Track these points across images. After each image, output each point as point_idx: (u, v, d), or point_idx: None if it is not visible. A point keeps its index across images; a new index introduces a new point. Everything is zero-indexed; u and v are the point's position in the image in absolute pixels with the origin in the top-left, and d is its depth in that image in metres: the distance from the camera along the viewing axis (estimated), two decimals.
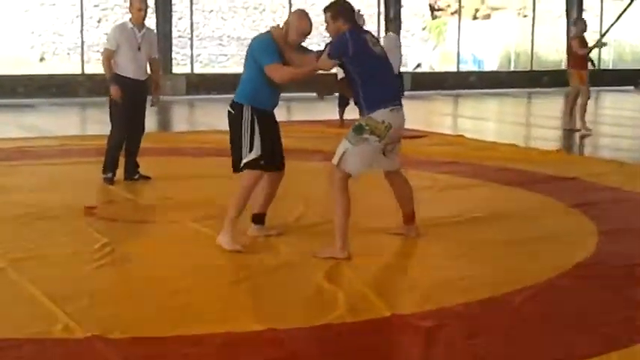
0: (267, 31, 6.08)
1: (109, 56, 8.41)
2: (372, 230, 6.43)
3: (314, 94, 7.51)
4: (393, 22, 14.60)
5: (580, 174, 9.18)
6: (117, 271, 5.37)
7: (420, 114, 12.90)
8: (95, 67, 25.64)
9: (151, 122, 16.13)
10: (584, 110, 13.33)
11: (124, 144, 8.65)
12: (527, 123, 17.44)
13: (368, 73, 5.87)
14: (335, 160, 5.80)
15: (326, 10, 6.01)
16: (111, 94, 8.43)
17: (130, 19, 8.51)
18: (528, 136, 13.97)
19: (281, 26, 6.09)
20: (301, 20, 5.99)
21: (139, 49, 8.42)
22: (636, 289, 5.08)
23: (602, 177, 9.03)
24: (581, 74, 13.40)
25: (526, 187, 8.43)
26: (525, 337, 4.26)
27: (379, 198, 6.86)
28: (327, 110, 14.54)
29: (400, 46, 14.23)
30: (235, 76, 23.94)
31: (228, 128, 6.06)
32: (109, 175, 8.48)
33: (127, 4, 8.70)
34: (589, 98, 13.45)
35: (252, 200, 6.15)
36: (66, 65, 27.14)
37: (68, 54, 30.03)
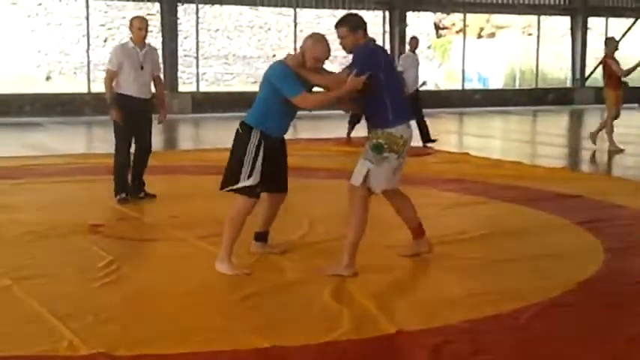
0: (281, 61, 5.91)
1: (111, 76, 8.42)
2: (377, 246, 6.42)
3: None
4: (412, 40, 14.68)
5: (585, 191, 9.17)
6: (122, 289, 5.37)
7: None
8: (101, 86, 25.76)
9: (156, 140, 16.17)
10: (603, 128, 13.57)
11: (132, 162, 8.65)
12: (532, 140, 17.45)
13: (394, 85, 5.82)
14: (356, 181, 5.73)
15: (342, 23, 5.88)
16: (110, 116, 8.45)
17: (131, 39, 8.53)
18: (533, 154, 13.97)
19: (296, 53, 5.95)
20: (316, 45, 5.79)
21: (142, 67, 8.43)
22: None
23: (607, 195, 9.02)
24: (617, 94, 13.61)
25: (531, 205, 8.42)
26: (530, 355, 4.25)
27: (382, 213, 6.86)
28: (332, 128, 14.56)
29: (418, 65, 14.29)
30: (241, 95, 23.96)
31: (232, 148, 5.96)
32: (123, 195, 8.45)
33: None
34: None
35: (255, 218, 6.14)
36: (72, 84, 27.25)
37: (75, 73, 30.17)
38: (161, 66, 8.92)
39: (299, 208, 7.34)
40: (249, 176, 5.76)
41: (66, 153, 12.50)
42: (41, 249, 6.39)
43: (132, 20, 8.54)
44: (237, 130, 5.93)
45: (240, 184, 5.78)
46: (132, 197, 8.58)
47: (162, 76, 8.97)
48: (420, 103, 13.98)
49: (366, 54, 5.77)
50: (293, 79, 5.74)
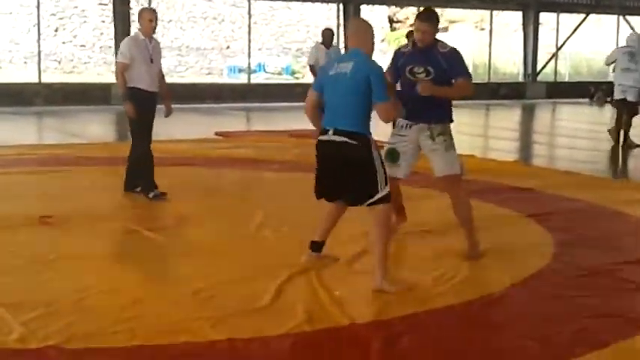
0: (362, 50, 5.43)
1: (122, 70, 8.16)
2: (336, 236, 6.44)
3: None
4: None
5: (536, 185, 9.28)
6: (73, 281, 5.30)
7: (378, 125, 12.95)
8: (52, 76, 25.43)
9: (109, 131, 16.09)
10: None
11: (131, 151, 8.46)
12: (484, 134, 17.61)
13: None
14: (458, 170, 6.10)
15: (428, 18, 5.89)
16: (126, 112, 8.23)
17: (139, 30, 8.30)
18: (485, 147, 14.09)
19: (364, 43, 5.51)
20: (371, 30, 5.58)
21: (152, 61, 8.25)
22: (591, 299, 5.13)
23: (558, 188, 9.14)
24: None
25: (483, 198, 8.48)
26: (482, 347, 4.29)
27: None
28: (286, 119, 14.50)
29: None
30: (194, 86, 23.75)
31: (339, 161, 5.38)
32: (157, 192, 8.20)
33: (136, 17, 8.43)
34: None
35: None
36: (22, 74, 26.87)
37: (25, 62, 29.75)
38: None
39: (253, 201, 7.32)
40: (386, 183, 5.37)
41: (16, 144, 12.32)
42: None
43: (141, 12, 8.30)
44: (350, 143, 5.28)
45: (382, 193, 5.34)
46: (126, 190, 8.39)
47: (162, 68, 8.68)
48: None
49: (461, 58, 5.99)
50: (384, 78, 5.41)
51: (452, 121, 6.13)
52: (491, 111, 23.21)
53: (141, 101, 8.16)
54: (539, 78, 27.46)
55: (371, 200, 5.31)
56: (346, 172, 5.36)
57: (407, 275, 5.63)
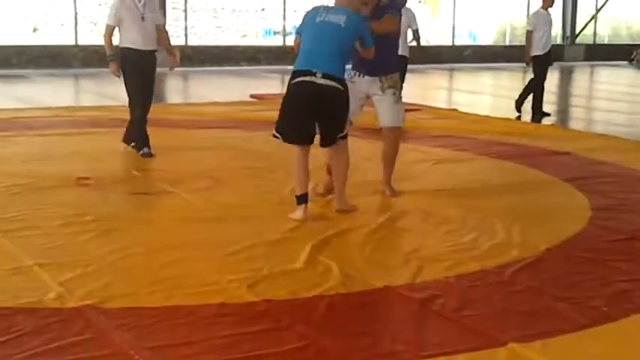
0: (347, 8, 5.98)
1: (110, 32, 8.27)
2: (360, 198, 6.45)
3: None
4: None
5: (574, 149, 9.19)
6: (110, 242, 5.36)
7: (415, 88, 12.87)
8: (89, 37, 25.52)
9: None
10: None
11: (130, 111, 8.58)
12: None
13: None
14: (401, 121, 6.66)
15: None
16: (110, 71, 8.35)
17: None
18: (523, 110, 13.95)
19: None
20: None
21: (143, 18, 8.26)
22: (627, 264, 5.09)
23: (596, 152, 9.05)
24: None
25: (520, 161, 8.44)
26: (516, 310, 4.28)
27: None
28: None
29: (551, 24, 12.88)
30: (229, 49, 23.83)
31: (325, 105, 5.84)
32: (146, 150, 8.41)
33: None
34: None
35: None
36: (59, 36, 26.98)
37: (62, 25, 29.85)
38: (162, 14, 8.70)
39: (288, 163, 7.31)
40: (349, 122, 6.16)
41: (53, 106, 12.42)
42: (29, 202, 6.36)
43: None
44: (337, 87, 5.82)
45: (346, 131, 6.07)
46: (124, 142, 8.60)
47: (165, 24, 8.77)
48: (547, 70, 12.74)
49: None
50: (369, 32, 6.08)
51: (396, 70, 6.66)
52: (529, 74, 22.93)
53: (133, 62, 8.23)
54: (577, 40, 27.06)
55: (341, 135, 6.00)
56: (327, 112, 5.90)
57: (441, 237, 5.62)
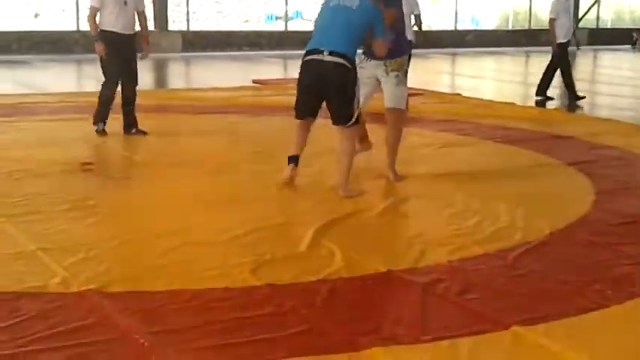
0: None
1: (93, 14, 8.44)
2: (362, 181, 6.45)
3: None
4: None
5: (577, 133, 9.18)
6: (113, 227, 5.36)
7: (417, 72, 12.84)
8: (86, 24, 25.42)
9: (147, 79, 16.12)
10: None
11: (121, 97, 8.69)
12: (524, 82, 17.40)
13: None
14: (404, 105, 6.72)
15: None
16: (97, 52, 8.49)
17: None
18: (526, 95, 13.93)
19: None
20: None
21: (125, 3, 8.41)
22: (631, 247, 5.08)
23: (599, 136, 9.04)
24: None
25: (523, 145, 8.43)
26: (519, 294, 4.27)
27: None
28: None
29: (571, 11, 12.83)
30: (232, 34, 23.73)
31: (331, 81, 6.06)
32: (100, 125, 8.60)
33: None
34: None
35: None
36: (61, 22, 26.91)
37: (63, 10, 29.78)
38: (145, 1, 8.91)
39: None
40: (358, 104, 6.18)
41: (55, 91, 12.40)
42: (32, 187, 6.36)
43: None
44: (342, 64, 6.01)
45: (355, 115, 6.15)
46: (125, 132, 8.69)
47: (145, 11, 8.94)
48: (568, 58, 12.66)
49: None
50: (383, 22, 6.21)
51: (405, 54, 6.85)
52: (532, 58, 22.90)
53: (112, 44, 8.38)
54: (581, 24, 26.98)
55: (350, 122, 6.12)
56: (333, 90, 6.08)
57: (444, 220, 5.61)
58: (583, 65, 21.80)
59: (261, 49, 21.93)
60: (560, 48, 12.21)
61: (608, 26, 30.00)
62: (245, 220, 5.49)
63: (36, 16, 29.89)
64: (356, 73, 6.11)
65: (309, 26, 30.86)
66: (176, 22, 24.72)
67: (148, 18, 8.90)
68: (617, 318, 4.01)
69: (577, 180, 6.95)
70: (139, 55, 8.78)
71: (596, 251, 5.00)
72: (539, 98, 12.41)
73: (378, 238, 5.32)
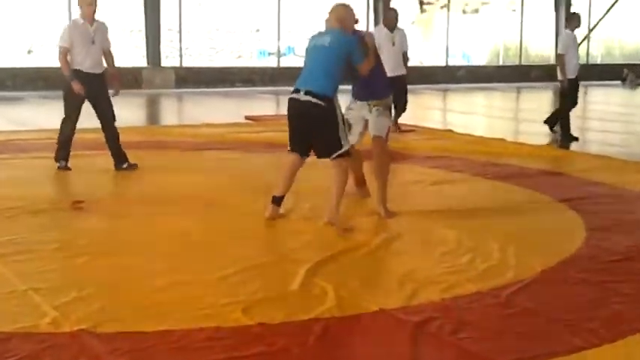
0: (340, 28, 6.47)
1: (64, 54, 8.65)
2: (355, 217, 6.45)
3: None
4: (572, 16, 12.56)
5: (568, 169, 9.21)
6: (104, 266, 5.34)
7: (409, 108, 12.88)
8: None
9: (139, 115, 16.17)
10: None
11: (104, 137, 8.86)
12: (515, 117, 17.48)
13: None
14: (384, 133, 6.88)
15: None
16: (73, 90, 8.61)
17: (81, 15, 8.72)
18: (517, 131, 14.00)
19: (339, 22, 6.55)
20: (350, 11, 6.64)
21: (93, 42, 8.61)
22: (623, 285, 5.08)
23: (590, 172, 9.06)
24: None
25: (514, 182, 8.45)
26: (512, 333, 4.27)
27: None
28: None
29: (577, 45, 12.53)
30: (225, 70, 23.74)
31: (307, 119, 6.33)
32: (63, 163, 8.74)
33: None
34: None
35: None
36: (54, 58, 27.00)
37: (57, 47, 29.85)
38: (111, 40, 9.12)
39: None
40: (345, 139, 6.40)
41: (47, 128, 12.40)
42: (23, 225, 6.34)
43: None
44: (316, 103, 6.26)
45: (343, 150, 6.34)
46: (117, 168, 8.78)
47: (112, 50, 9.10)
48: (576, 95, 12.41)
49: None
50: (361, 49, 6.47)
51: (386, 96, 7.00)
52: (523, 94, 23.03)
53: (81, 83, 8.54)
54: None
55: (337, 153, 6.30)
56: (313, 127, 6.33)
57: (436, 258, 5.61)
58: None
59: (254, 85, 22.02)
60: (570, 84, 12.19)
61: (599, 62, 30.21)
62: (236, 258, 5.48)
63: (29, 52, 29.98)
64: (334, 108, 6.31)
65: (301, 62, 31.11)
66: (169, 57, 24.82)
67: (114, 56, 9.09)
68: (610, 357, 4.00)
69: (568, 217, 6.96)
70: (111, 92, 8.87)
71: (588, 289, 5.00)
72: (566, 140, 12.16)
73: (370, 275, 5.32)
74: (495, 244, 5.94)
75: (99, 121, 8.84)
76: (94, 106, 8.75)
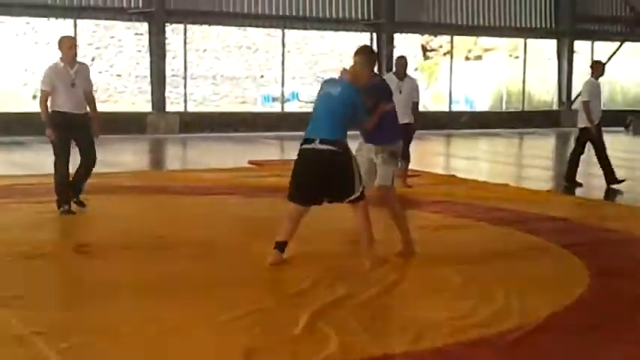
0: (352, 84, 6.62)
1: (45, 98, 8.82)
2: (358, 264, 6.45)
3: None
4: (596, 65, 12.60)
5: (571, 214, 9.20)
6: (106, 311, 5.33)
7: (413, 154, 12.91)
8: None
9: (144, 160, 16.24)
10: None
11: (77, 168, 9.03)
12: (518, 163, 17.51)
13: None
14: (389, 181, 7.01)
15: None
16: (48, 136, 8.83)
17: (61, 58, 8.85)
18: (520, 176, 14.02)
19: (350, 70, 6.75)
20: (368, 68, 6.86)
21: (73, 85, 8.77)
22: (626, 332, 5.07)
23: (593, 218, 9.06)
24: None
25: (517, 227, 8.45)
26: None
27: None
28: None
29: (600, 94, 12.53)
30: (229, 115, 23.88)
31: (325, 168, 6.47)
32: (66, 207, 8.75)
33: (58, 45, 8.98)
34: None
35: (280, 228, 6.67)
36: None
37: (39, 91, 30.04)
38: (92, 82, 9.31)
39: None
40: (361, 182, 6.57)
41: (50, 172, 12.42)
42: (25, 270, 6.34)
43: (61, 40, 8.94)
44: (334, 150, 6.43)
45: (360, 189, 6.54)
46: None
47: (94, 92, 9.32)
48: (602, 138, 12.22)
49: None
50: (364, 105, 6.68)
51: (392, 143, 7.12)
52: (526, 140, 23.10)
53: (63, 123, 8.75)
54: (573, 106, 27.27)
55: (354, 196, 6.49)
56: (330, 174, 6.47)
57: (441, 303, 5.60)
58: None
59: (258, 130, 22.11)
60: (583, 132, 12.11)
61: (602, 108, 30.32)
62: (239, 302, 5.46)
63: (34, 97, 30.18)
64: (349, 153, 6.52)
65: (305, 108, 31.20)
66: (174, 103, 24.98)
67: (95, 99, 9.30)
68: None
69: (572, 262, 6.94)
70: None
71: (591, 336, 4.98)
72: (568, 185, 12.09)
73: (374, 320, 5.30)
74: (499, 289, 5.92)
75: (80, 158, 9.03)
76: (78, 145, 8.94)
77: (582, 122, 12.10)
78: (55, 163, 8.98)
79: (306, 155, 6.55)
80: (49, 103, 8.79)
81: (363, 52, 6.92)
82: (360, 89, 6.66)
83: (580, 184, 12.14)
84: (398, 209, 7.14)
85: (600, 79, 12.40)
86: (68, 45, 8.83)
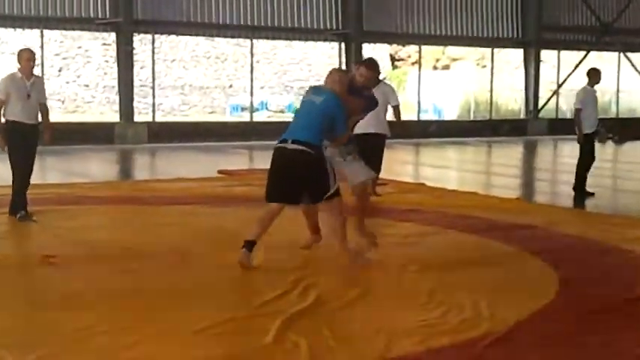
0: (337, 95, 6.84)
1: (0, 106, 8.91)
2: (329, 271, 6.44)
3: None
4: (592, 72, 12.26)
5: (539, 222, 9.26)
6: (75, 321, 5.26)
7: (383, 162, 12.94)
8: (55, 115, 25.53)
9: (112, 170, 16.13)
10: None
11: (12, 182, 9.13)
12: (486, 171, 17.62)
13: None
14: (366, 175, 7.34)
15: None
16: (10, 141, 8.92)
17: (19, 69, 8.99)
18: (488, 184, 14.10)
19: (341, 79, 7.02)
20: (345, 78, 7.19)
21: (29, 96, 8.93)
22: (595, 337, 5.10)
23: (560, 225, 9.12)
24: None
25: (486, 235, 8.48)
26: None
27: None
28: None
29: (596, 102, 12.34)
30: (197, 125, 23.82)
31: (297, 167, 6.65)
32: (22, 212, 8.87)
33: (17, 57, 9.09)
34: None
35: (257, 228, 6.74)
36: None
37: None
38: (47, 94, 9.50)
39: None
40: (334, 181, 6.76)
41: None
42: None
43: (20, 52, 9.09)
44: (306, 151, 6.61)
45: (333, 190, 6.73)
46: (11, 214, 8.98)
47: (47, 103, 9.47)
48: (594, 148, 12.28)
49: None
50: (345, 117, 6.89)
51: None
52: (493, 148, 23.25)
53: (16, 132, 8.94)
54: (540, 115, 27.51)
55: (327, 195, 6.68)
56: (302, 172, 6.65)
57: (411, 311, 5.60)
58: (544, 155, 22.17)
59: (227, 140, 22.05)
60: (586, 139, 12.10)
61: (568, 116, 30.60)
62: (209, 312, 5.43)
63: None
64: (321, 154, 6.71)
65: (274, 117, 31.10)
66: (142, 113, 24.88)
67: (50, 109, 9.46)
68: None
69: (540, 269, 6.99)
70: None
71: (559, 341, 5.00)
72: (578, 194, 11.96)
73: (344, 329, 5.29)
74: (468, 296, 5.93)
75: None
76: (25, 154, 9.01)
77: (586, 129, 12.05)
78: (13, 174, 9.07)
79: (278, 153, 6.74)
80: (2, 112, 8.91)
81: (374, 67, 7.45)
82: (360, 89, 7.04)
83: (592, 194, 11.96)
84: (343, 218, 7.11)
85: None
86: (26, 57, 8.97)
